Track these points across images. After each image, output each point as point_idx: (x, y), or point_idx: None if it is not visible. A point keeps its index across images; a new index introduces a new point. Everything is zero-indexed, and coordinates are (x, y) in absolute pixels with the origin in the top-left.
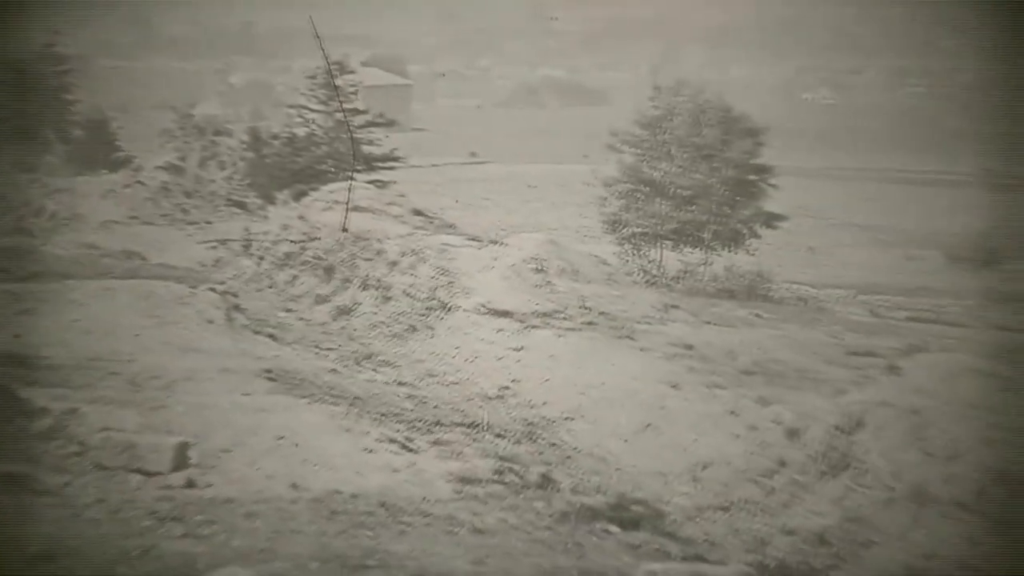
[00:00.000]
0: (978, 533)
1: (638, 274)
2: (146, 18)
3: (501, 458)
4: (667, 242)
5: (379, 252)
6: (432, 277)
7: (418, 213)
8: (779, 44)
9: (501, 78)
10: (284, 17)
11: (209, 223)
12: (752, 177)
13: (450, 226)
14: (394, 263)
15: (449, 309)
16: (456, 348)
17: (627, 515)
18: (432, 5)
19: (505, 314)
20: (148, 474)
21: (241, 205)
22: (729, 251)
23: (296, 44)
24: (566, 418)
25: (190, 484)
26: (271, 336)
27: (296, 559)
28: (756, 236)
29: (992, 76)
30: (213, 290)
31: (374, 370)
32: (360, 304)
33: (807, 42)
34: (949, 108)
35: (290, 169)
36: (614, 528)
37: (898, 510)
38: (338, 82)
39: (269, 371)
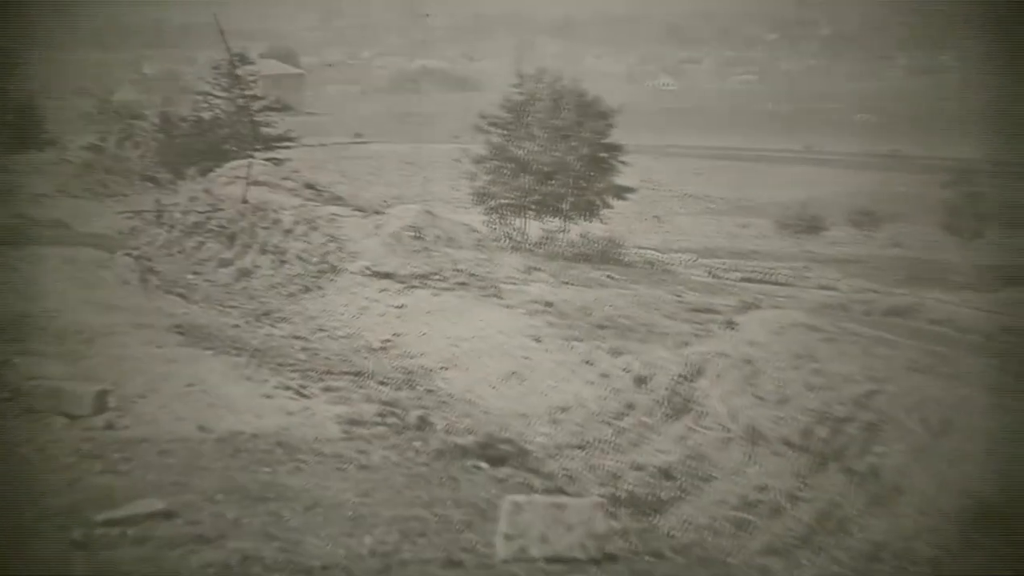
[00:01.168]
0: (803, 468)
1: (504, 240)
2: (72, 14)
3: (384, 403)
4: (530, 212)
5: (275, 221)
6: (322, 243)
7: (310, 187)
8: (625, 37)
9: (381, 67)
10: (192, 14)
11: (126, 196)
12: (604, 155)
13: (338, 198)
14: (289, 231)
15: (338, 271)
16: (344, 306)
17: (494, 453)
18: (319, 4)
19: (387, 276)
20: (72, 417)
21: (154, 180)
22: (584, 220)
23: (202, 38)
24: (441, 367)
25: (109, 426)
26: (180, 295)
27: (203, 492)
28: (608, 206)
29: (810, 65)
30: (129, 255)
31: (272, 325)
32: (259, 267)
33: (650, 35)
34: (774, 93)
35: (197, 148)
36: (483, 464)
37: (734, 448)
38: (239, 72)
39: (179, 326)
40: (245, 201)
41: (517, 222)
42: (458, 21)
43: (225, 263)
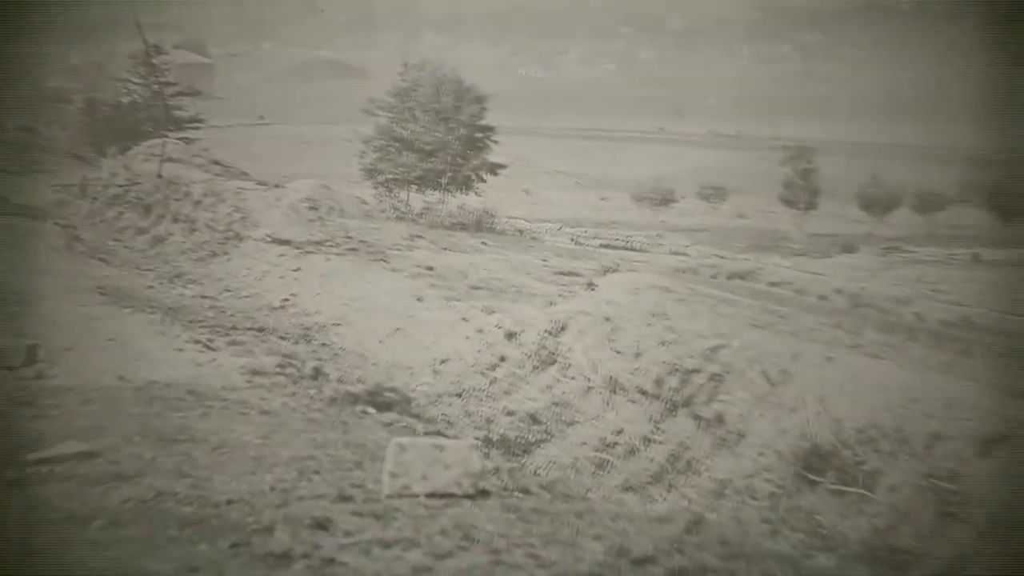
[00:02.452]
0: (656, 413)
1: (390, 211)
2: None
3: (283, 355)
4: (413, 186)
5: (187, 194)
6: (228, 213)
7: (217, 163)
8: (499, 31)
9: (282, 57)
10: (114, 10)
11: (55, 172)
12: (479, 135)
13: (243, 173)
14: (198, 202)
15: (242, 239)
16: (248, 269)
17: (381, 400)
18: (226, 1)
19: (286, 242)
20: (8, 368)
21: (79, 158)
22: (461, 193)
23: (122, 31)
24: (334, 324)
25: (39, 376)
26: (102, 260)
27: (123, 434)
28: (482, 181)
29: (664, 56)
30: (57, 224)
31: (183, 286)
32: (172, 234)
33: (522, 29)
34: (632, 81)
35: (117, 129)
36: (371, 410)
37: (594, 396)
38: (154, 61)
39: (101, 287)
40: (160, 176)
41: (402, 195)
42: (350, 16)
43: (142, 231)
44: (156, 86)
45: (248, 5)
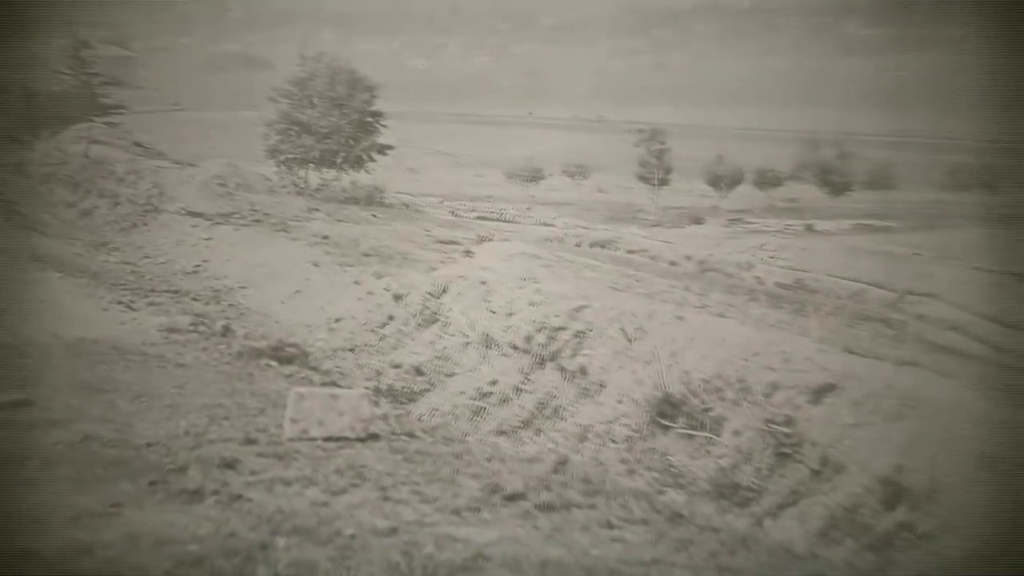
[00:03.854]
0: (526, 366)
1: (290, 187)
2: None
3: (196, 315)
4: (311, 165)
5: (111, 172)
6: (147, 189)
7: (138, 145)
8: (389, 27)
9: (196, 51)
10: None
11: None
12: (369, 119)
13: (160, 154)
14: (121, 179)
15: (159, 211)
16: (164, 238)
17: (283, 354)
18: (148, 1)
19: (198, 215)
20: None
21: (17, 140)
22: (354, 171)
23: (55, 27)
24: (241, 287)
25: None
26: (37, 231)
27: (54, 385)
28: (372, 160)
29: (534, 49)
30: None
31: (107, 254)
32: (97, 208)
33: (408, 26)
34: (506, 71)
35: (51, 115)
36: (274, 363)
37: (472, 351)
38: (83, 54)
39: (36, 255)
40: (87, 156)
41: (301, 173)
42: (256, 14)
43: (71, 205)
44: (84, 76)
45: (166, 5)
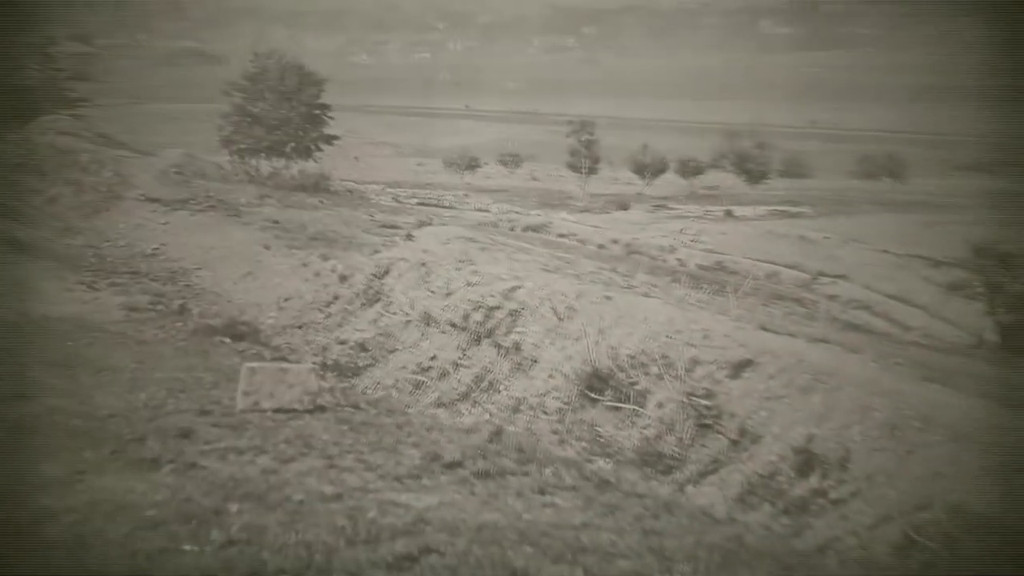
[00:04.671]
0: (464, 342)
1: (243, 175)
2: None
3: (154, 294)
4: (262, 154)
5: (75, 161)
6: (109, 177)
7: (101, 136)
8: (334, 25)
9: (155, 48)
10: (16, 8)
11: None
12: (317, 112)
13: (122, 144)
14: (84, 168)
15: (121, 198)
16: (125, 223)
17: (236, 331)
18: (109, 2)
19: (156, 200)
20: None
21: None
22: (302, 160)
23: (23, 26)
24: (196, 269)
25: None
26: (8, 217)
27: (22, 361)
28: (320, 150)
29: (470, 46)
30: None
31: (72, 238)
32: (63, 195)
33: (353, 24)
34: (444, 67)
35: (19, 108)
36: (227, 340)
37: (412, 328)
38: (50, 51)
39: (7, 239)
40: (53, 146)
41: (253, 162)
42: (211, 13)
43: (38, 192)
44: (51, 72)
45: (127, 5)
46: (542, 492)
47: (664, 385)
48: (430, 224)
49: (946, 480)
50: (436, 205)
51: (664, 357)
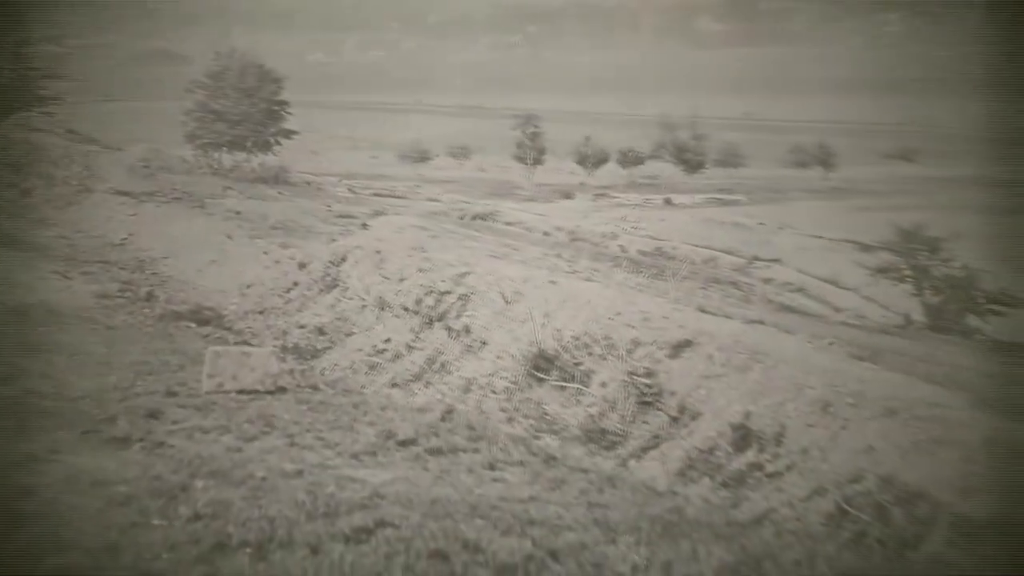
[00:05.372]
0: (416, 326)
1: (206, 168)
2: None
3: (123, 282)
4: (224, 148)
5: (48, 156)
6: (80, 171)
7: (72, 132)
8: (294, 25)
9: (124, 48)
10: None
11: None
12: (276, 108)
13: (93, 140)
14: (56, 163)
15: (91, 191)
16: (95, 215)
17: (201, 317)
18: (79, 1)
19: (126, 193)
20: None
21: None
22: (263, 153)
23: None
24: (163, 257)
25: None
26: None
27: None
28: (279, 144)
29: (422, 44)
30: None
31: (45, 229)
32: (36, 189)
33: (311, 24)
34: (397, 64)
35: None
36: (192, 325)
37: (367, 313)
38: (23, 51)
39: None
40: (27, 142)
41: (215, 155)
42: (176, 13)
43: (13, 185)
44: (24, 71)
45: (97, 5)
46: (492, 468)
47: (607, 365)
48: (384, 214)
49: (877, 453)
50: (390, 195)
51: (607, 338)
